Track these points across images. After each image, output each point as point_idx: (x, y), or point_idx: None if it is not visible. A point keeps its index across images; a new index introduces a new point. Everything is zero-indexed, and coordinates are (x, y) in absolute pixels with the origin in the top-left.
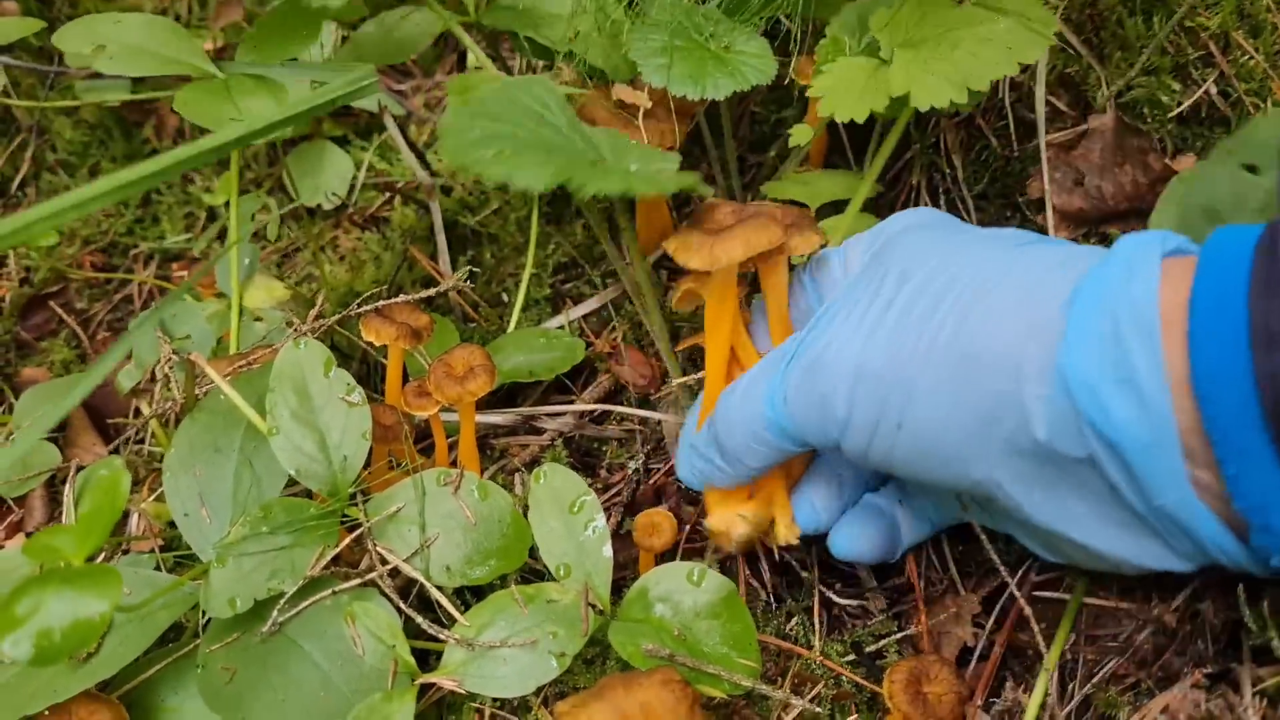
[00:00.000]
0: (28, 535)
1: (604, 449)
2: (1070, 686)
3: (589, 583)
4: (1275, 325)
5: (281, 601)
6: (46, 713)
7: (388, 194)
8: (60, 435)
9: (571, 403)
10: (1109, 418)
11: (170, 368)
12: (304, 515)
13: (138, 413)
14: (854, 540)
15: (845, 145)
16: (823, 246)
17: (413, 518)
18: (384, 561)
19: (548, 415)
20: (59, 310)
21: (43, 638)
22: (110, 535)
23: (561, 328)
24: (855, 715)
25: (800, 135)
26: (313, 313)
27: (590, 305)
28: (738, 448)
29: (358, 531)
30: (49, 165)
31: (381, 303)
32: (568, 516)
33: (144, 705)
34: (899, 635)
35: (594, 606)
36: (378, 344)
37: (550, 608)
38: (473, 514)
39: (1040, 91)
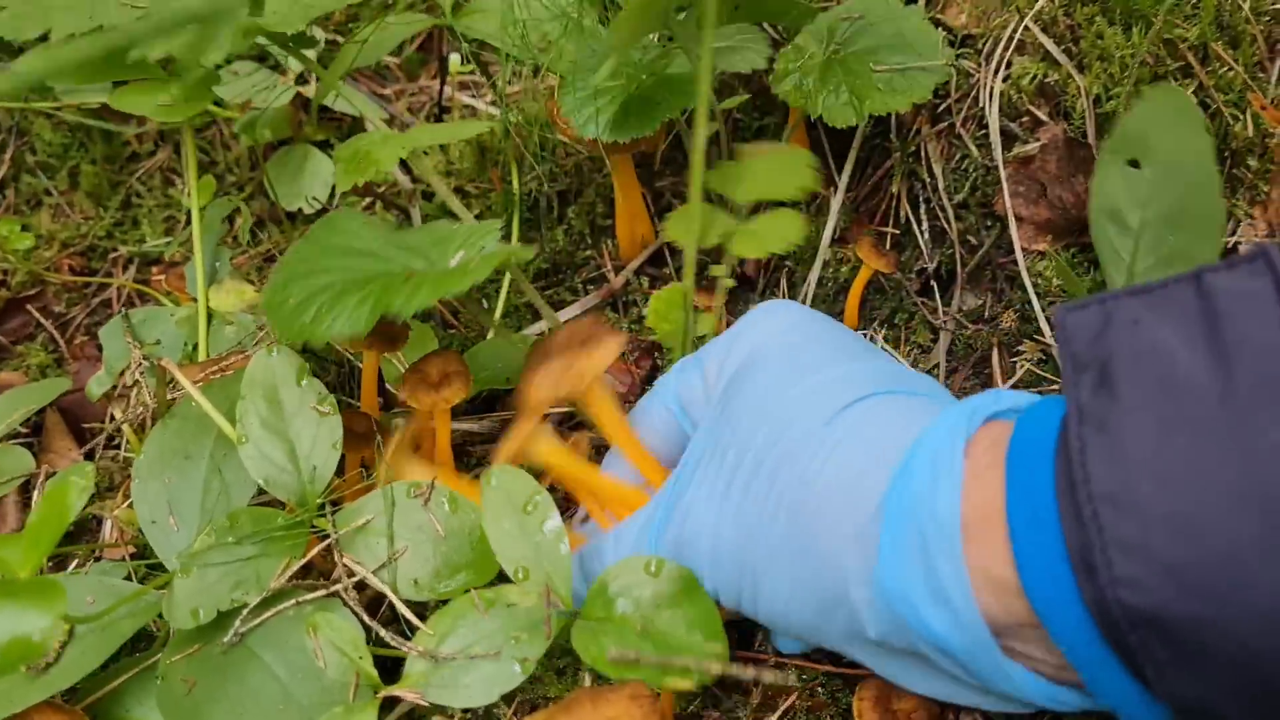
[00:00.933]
0: None
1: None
2: None
3: (549, 583)
4: (1088, 556)
5: (244, 612)
6: None
7: (369, 199)
8: (36, 440)
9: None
10: (929, 628)
11: (141, 373)
12: (271, 526)
13: (113, 418)
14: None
15: (826, 152)
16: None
17: (382, 529)
18: (351, 574)
19: None
20: (36, 314)
21: None
22: (81, 542)
23: (542, 334)
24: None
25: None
26: None
27: (572, 311)
28: None
29: (326, 543)
30: (28, 167)
31: None
32: (521, 517)
33: (109, 717)
34: None
35: (557, 608)
36: (352, 351)
37: (510, 612)
38: (442, 527)
39: (993, 111)
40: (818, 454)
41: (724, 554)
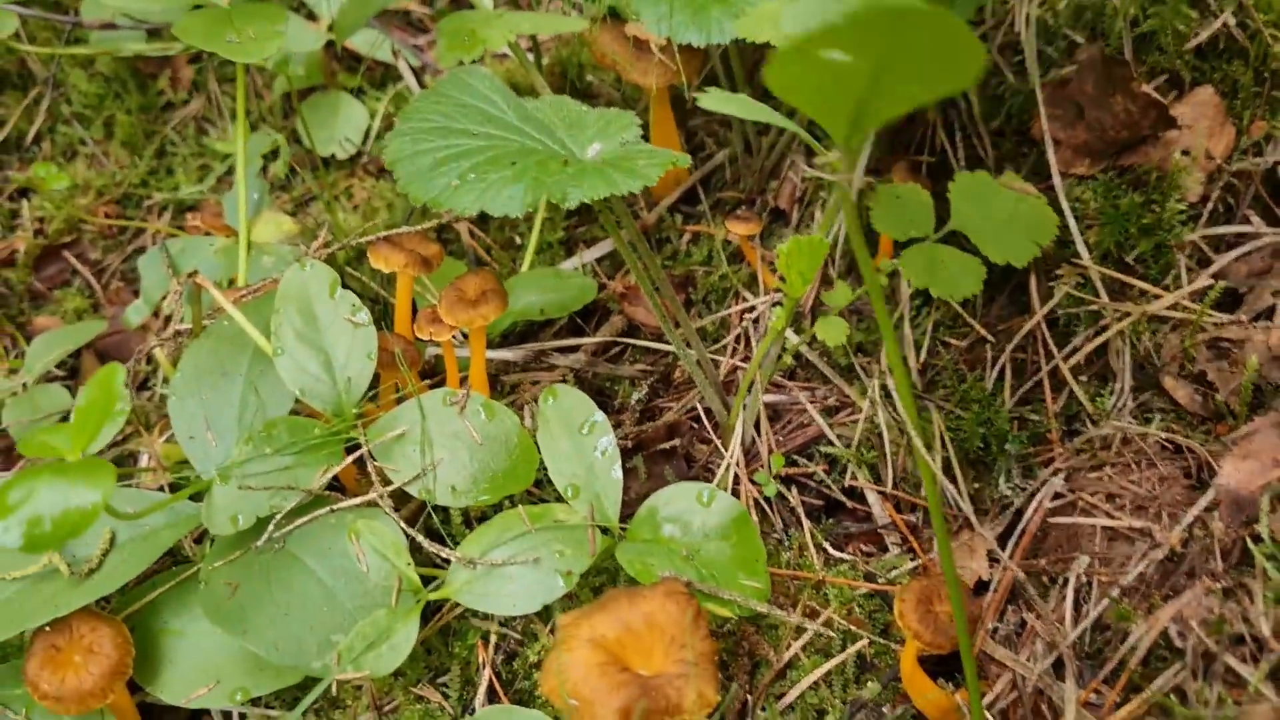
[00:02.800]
0: None
1: (617, 388)
2: (1084, 608)
3: (596, 504)
4: None
5: (279, 517)
6: (48, 628)
7: None
8: (72, 382)
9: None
10: None
11: (178, 299)
12: (308, 435)
13: (150, 360)
14: None
15: None
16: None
17: (416, 439)
18: (387, 482)
19: (559, 351)
20: (73, 260)
21: (33, 525)
22: (117, 470)
23: (575, 270)
24: (867, 641)
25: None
26: (317, 243)
27: (603, 248)
28: None
29: (359, 452)
30: (64, 118)
31: (390, 231)
32: (577, 437)
33: (147, 627)
34: (911, 566)
35: (602, 527)
36: (386, 271)
37: (557, 528)
38: (479, 434)
39: (1030, 35)
40: None
41: None
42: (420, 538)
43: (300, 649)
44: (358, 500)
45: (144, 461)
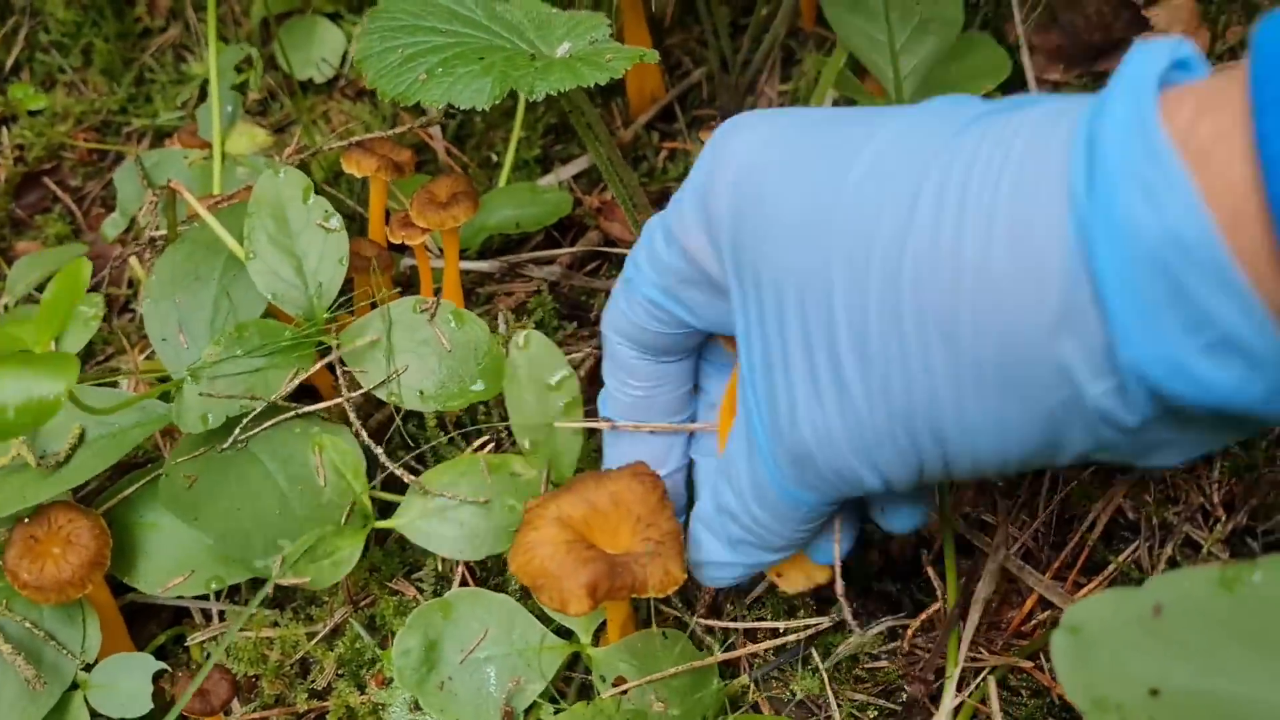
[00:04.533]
0: None
1: (593, 301)
2: (1052, 496)
3: (554, 461)
4: None
5: (246, 420)
6: (27, 519)
7: None
8: None
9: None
10: (1211, 389)
11: (154, 209)
12: (279, 338)
13: (131, 284)
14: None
15: None
16: None
17: (382, 345)
18: (356, 386)
19: (534, 263)
20: (53, 187)
21: None
22: (83, 368)
23: (551, 186)
24: None
25: None
26: (289, 149)
27: (580, 165)
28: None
29: (329, 358)
30: (42, 46)
31: (363, 136)
32: (544, 391)
33: (123, 522)
34: None
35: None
36: (359, 175)
37: (513, 480)
38: (449, 341)
39: None
40: (938, 242)
41: (871, 441)
42: (384, 457)
43: (246, 545)
44: (323, 405)
45: (125, 386)
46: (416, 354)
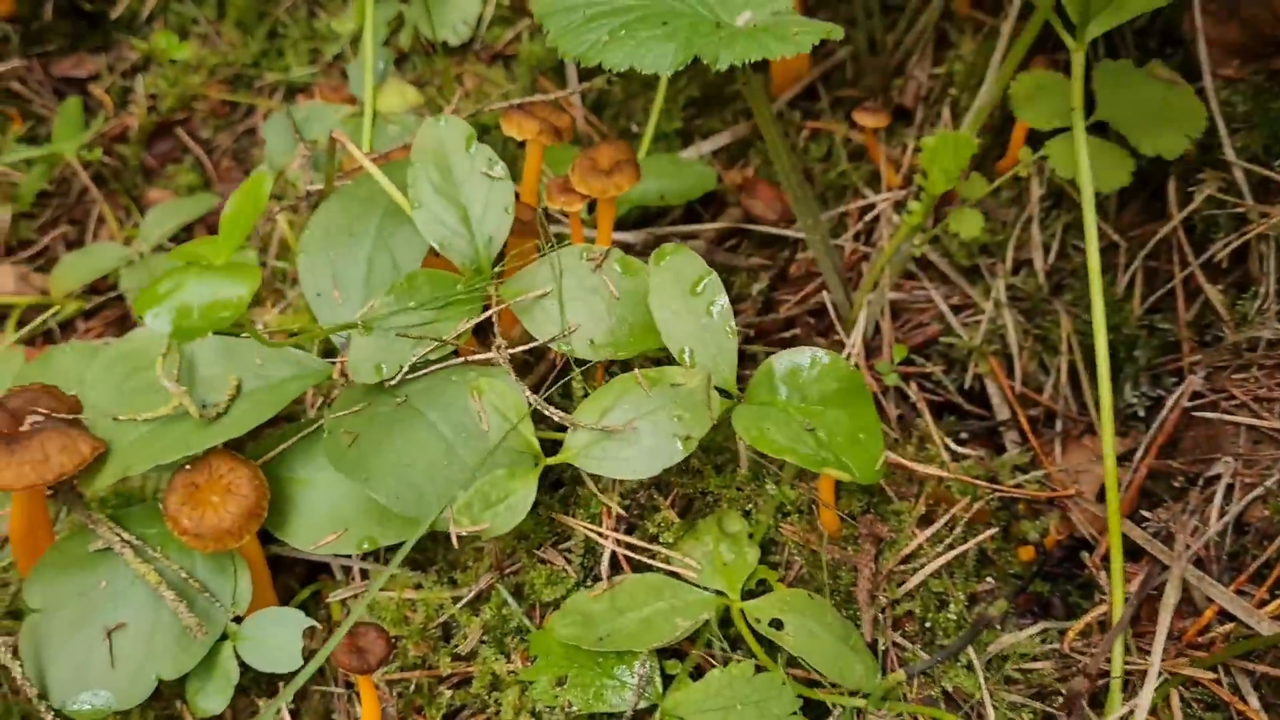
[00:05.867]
0: None
1: (734, 279)
2: (1227, 507)
3: (713, 365)
4: None
5: (403, 371)
6: (189, 466)
7: (517, 28)
8: None
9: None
10: None
11: (306, 162)
12: (449, 289)
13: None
14: None
15: None
16: None
17: (553, 295)
18: (529, 339)
19: (679, 238)
20: (185, 137)
21: (182, 313)
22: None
23: (693, 160)
24: (993, 530)
25: None
26: (449, 108)
27: (721, 140)
28: None
29: (499, 308)
30: None
31: (523, 99)
32: (689, 298)
33: (278, 476)
34: (1037, 474)
35: (719, 390)
36: (519, 138)
37: (674, 391)
38: (616, 288)
39: None
40: None
41: None
42: (539, 401)
43: (421, 499)
44: (484, 355)
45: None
46: (585, 302)
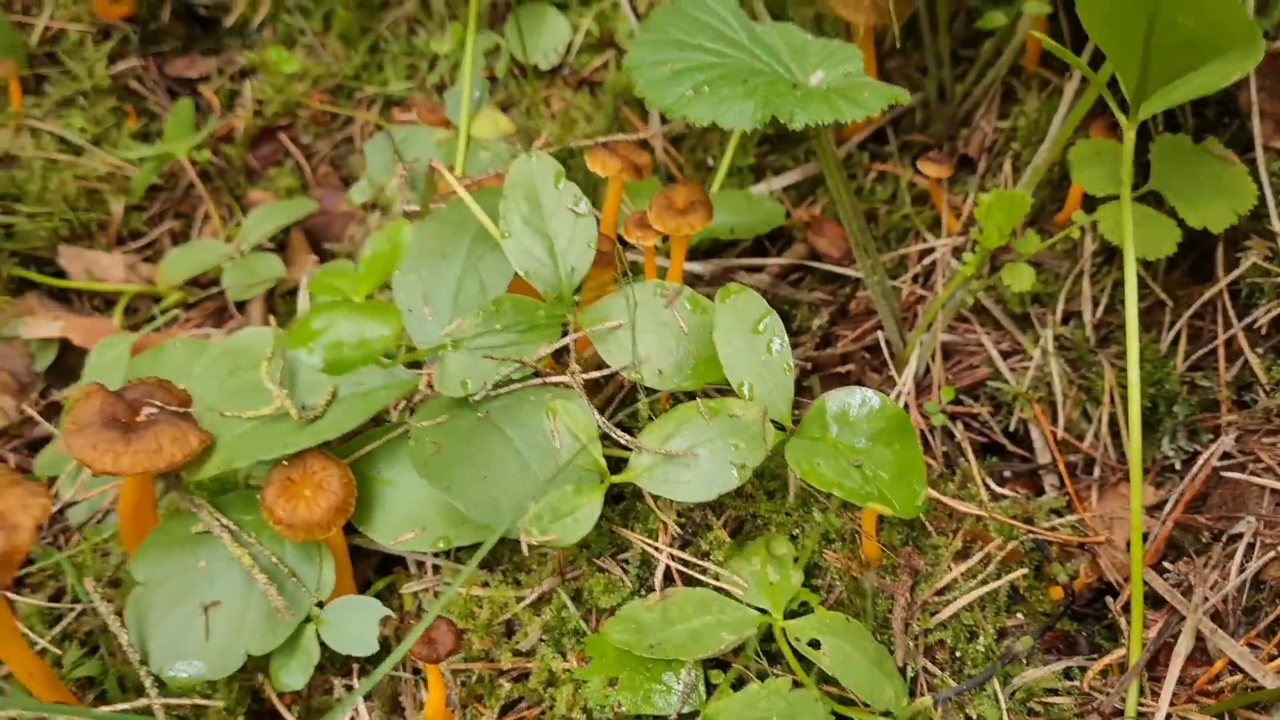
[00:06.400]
0: None
1: (795, 311)
2: (1246, 564)
3: (769, 400)
4: None
5: (486, 388)
6: (286, 462)
7: (604, 56)
8: (281, 255)
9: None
10: None
11: (403, 183)
12: (532, 314)
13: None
14: None
15: (1064, 38)
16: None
17: (627, 325)
18: (598, 365)
19: (745, 270)
20: (286, 142)
21: (334, 349)
22: None
23: (764, 195)
24: (1021, 574)
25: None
26: (538, 141)
27: (791, 177)
28: None
29: (577, 334)
30: (287, 8)
31: (605, 138)
32: (751, 336)
33: (364, 476)
34: (1071, 519)
35: (774, 423)
36: (602, 174)
37: (733, 422)
38: (686, 324)
39: (1247, 3)
40: None
41: None
42: (607, 425)
43: (496, 509)
44: (561, 377)
45: None
46: (656, 334)
